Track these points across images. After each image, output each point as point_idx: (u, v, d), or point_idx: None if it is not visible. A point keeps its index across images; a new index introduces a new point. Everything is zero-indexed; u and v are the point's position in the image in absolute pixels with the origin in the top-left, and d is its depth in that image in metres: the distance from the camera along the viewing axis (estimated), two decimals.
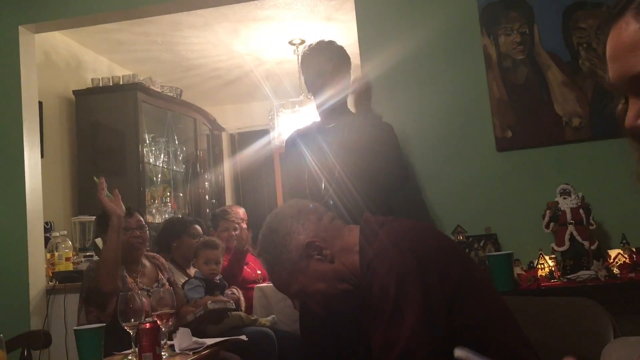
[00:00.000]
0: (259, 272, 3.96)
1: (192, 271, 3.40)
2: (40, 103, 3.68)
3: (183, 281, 3.23)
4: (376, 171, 2.36)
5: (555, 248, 2.62)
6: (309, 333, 2.34)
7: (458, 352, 0.81)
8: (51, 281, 3.36)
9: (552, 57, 2.86)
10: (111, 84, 4.54)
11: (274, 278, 1.50)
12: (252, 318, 3.27)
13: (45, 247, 3.47)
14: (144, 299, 2.57)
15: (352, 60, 2.66)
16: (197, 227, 3.66)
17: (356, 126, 2.48)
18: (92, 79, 4.58)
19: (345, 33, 4.56)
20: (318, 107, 2.60)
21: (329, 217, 1.51)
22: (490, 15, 2.96)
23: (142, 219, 2.87)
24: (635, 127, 0.70)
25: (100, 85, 4.53)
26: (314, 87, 2.58)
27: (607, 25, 0.71)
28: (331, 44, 2.63)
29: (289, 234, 1.45)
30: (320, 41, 2.67)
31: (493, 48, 2.93)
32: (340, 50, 2.61)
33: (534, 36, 2.90)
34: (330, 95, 2.54)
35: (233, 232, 4.06)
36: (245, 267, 4.02)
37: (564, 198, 2.65)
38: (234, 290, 3.37)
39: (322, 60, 2.55)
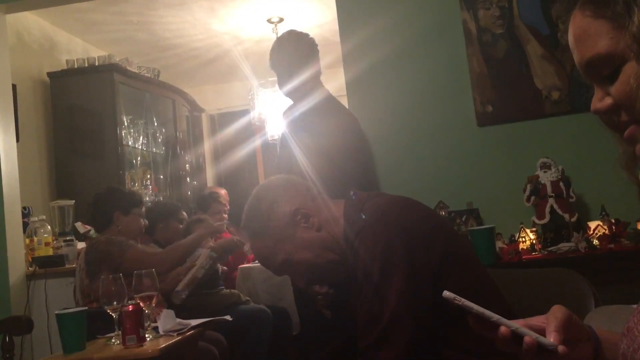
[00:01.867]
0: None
1: None
2: (14, 86, 3.60)
3: None
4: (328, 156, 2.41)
5: (536, 221, 2.65)
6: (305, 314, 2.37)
7: (446, 293, 0.82)
8: (31, 266, 3.32)
9: (532, 30, 2.86)
10: (86, 65, 4.45)
11: (258, 248, 1.47)
12: (246, 298, 3.30)
13: (24, 232, 3.42)
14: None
15: (331, 37, 2.66)
16: (184, 213, 3.67)
17: (306, 111, 2.56)
18: (66, 61, 4.48)
19: (323, 10, 4.51)
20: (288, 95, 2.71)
21: (316, 191, 1.50)
22: None
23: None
24: (596, 111, 0.73)
25: (75, 66, 4.44)
26: (281, 82, 2.69)
27: (567, 19, 0.76)
28: (286, 40, 2.71)
29: (276, 201, 1.43)
30: (275, 42, 2.76)
31: (472, 22, 2.92)
32: (300, 43, 2.67)
33: (513, 10, 2.89)
34: (297, 86, 2.62)
35: (223, 216, 4.05)
36: None
37: (544, 171, 2.67)
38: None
39: (285, 57, 2.64)
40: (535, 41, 2.85)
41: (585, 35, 0.72)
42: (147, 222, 3.00)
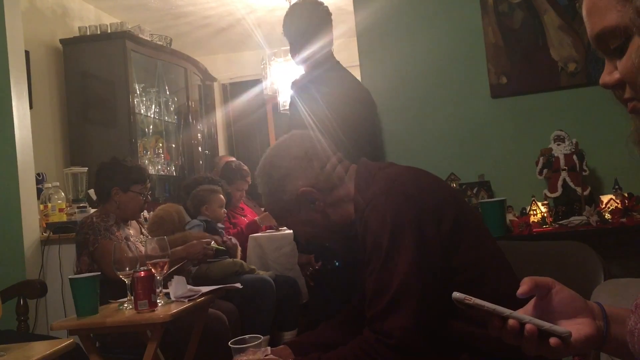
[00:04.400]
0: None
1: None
2: (26, 52, 3.59)
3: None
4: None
5: (548, 194, 2.63)
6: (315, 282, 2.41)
7: (455, 294, 0.82)
8: (45, 232, 3.37)
9: (549, 0, 2.80)
10: (99, 32, 4.43)
11: (266, 204, 1.53)
12: (251, 267, 3.32)
13: (38, 198, 3.45)
14: (138, 248, 2.60)
15: (345, 6, 2.63)
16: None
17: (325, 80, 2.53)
18: (79, 28, 4.46)
19: None
20: (300, 63, 2.68)
21: (334, 162, 1.47)
22: None
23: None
24: (604, 84, 0.73)
25: (88, 33, 4.42)
26: (294, 50, 2.65)
27: None
28: (300, 7, 2.66)
29: (288, 175, 1.43)
30: (289, 9, 2.70)
31: None
32: (314, 11, 2.62)
33: None
34: (310, 55, 2.58)
35: (244, 188, 4.07)
36: (243, 217, 4.05)
37: (558, 144, 2.64)
38: (232, 238, 3.42)
39: (299, 25, 2.59)
40: (553, 11, 2.80)
41: (595, 8, 0.71)
42: (149, 197, 2.88)
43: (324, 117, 2.36)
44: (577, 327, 0.81)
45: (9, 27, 3.31)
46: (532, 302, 0.86)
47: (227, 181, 3.96)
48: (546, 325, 0.80)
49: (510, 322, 0.80)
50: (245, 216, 4.11)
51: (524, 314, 0.83)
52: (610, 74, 0.72)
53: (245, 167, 4.20)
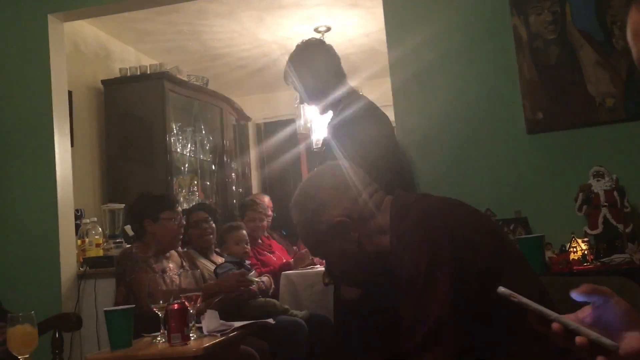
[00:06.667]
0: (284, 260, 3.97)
1: (216, 257, 3.44)
2: (69, 92, 3.73)
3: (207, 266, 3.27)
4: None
5: (589, 231, 2.56)
6: (342, 316, 2.35)
7: (501, 289, 0.83)
8: (82, 267, 3.42)
9: (585, 36, 2.79)
10: (138, 73, 4.58)
11: (301, 235, 1.53)
12: (285, 307, 3.27)
13: (76, 233, 3.52)
14: (174, 281, 2.61)
15: (377, 46, 2.64)
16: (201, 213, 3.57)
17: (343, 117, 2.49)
18: (120, 69, 4.62)
19: (370, 19, 4.52)
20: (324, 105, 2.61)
21: (369, 192, 1.46)
22: None
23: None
24: None
25: (128, 74, 4.57)
26: (313, 95, 2.59)
27: (623, 24, 0.74)
28: (303, 51, 2.64)
29: (323, 205, 1.43)
30: (292, 54, 2.69)
31: (523, 28, 2.87)
32: (325, 49, 2.59)
33: (565, 15, 2.83)
34: (336, 96, 2.54)
35: (259, 224, 4.06)
36: (271, 255, 4.04)
37: (598, 180, 2.58)
38: (264, 279, 3.39)
39: (319, 65, 2.55)
40: (589, 47, 2.78)
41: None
42: (184, 221, 2.92)
43: (358, 153, 2.34)
44: (626, 341, 0.78)
45: (54, 69, 3.45)
46: (585, 309, 0.83)
47: (241, 215, 4.08)
48: (593, 335, 0.77)
49: (554, 325, 0.78)
50: (273, 252, 4.09)
51: (574, 319, 0.81)
52: None
53: (257, 197, 4.32)
